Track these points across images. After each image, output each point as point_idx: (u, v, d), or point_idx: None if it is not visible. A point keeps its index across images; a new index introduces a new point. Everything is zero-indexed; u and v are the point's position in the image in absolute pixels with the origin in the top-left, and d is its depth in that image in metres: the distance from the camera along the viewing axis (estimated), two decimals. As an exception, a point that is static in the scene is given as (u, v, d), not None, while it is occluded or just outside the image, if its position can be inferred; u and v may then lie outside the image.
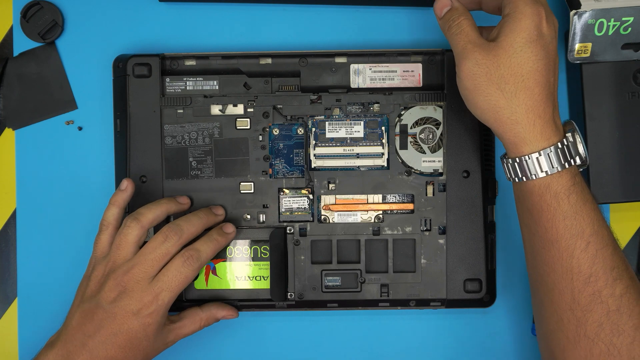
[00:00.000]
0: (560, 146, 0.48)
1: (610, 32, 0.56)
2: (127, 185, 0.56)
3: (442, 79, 0.59)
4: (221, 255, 0.58)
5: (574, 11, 0.55)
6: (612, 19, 0.55)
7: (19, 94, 0.62)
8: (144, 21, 0.62)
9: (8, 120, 0.62)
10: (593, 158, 0.58)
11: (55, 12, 0.61)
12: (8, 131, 0.62)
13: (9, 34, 0.62)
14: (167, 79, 0.59)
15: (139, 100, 0.58)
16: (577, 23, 0.55)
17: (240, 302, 0.58)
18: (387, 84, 0.59)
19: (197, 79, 0.59)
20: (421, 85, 0.59)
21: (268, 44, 0.62)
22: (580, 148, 0.50)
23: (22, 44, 0.62)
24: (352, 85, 0.59)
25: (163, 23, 0.62)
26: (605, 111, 0.58)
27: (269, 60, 0.59)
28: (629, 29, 0.56)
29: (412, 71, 0.59)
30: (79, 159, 0.62)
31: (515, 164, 0.49)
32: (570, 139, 0.50)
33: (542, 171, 0.48)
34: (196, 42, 0.62)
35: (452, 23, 0.52)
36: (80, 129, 0.62)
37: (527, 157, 0.48)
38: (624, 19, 0.55)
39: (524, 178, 0.49)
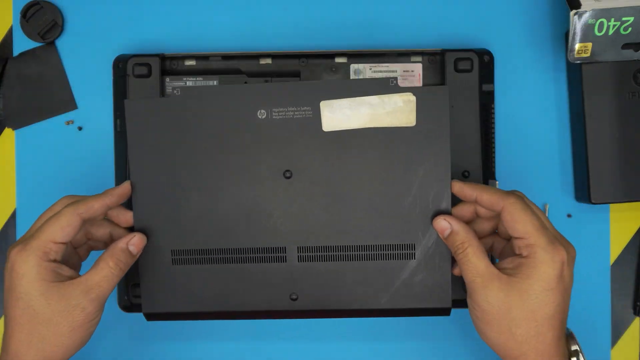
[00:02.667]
0: None
1: (611, 32, 0.56)
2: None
3: (442, 79, 0.59)
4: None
5: (574, 11, 0.55)
6: (612, 19, 0.55)
7: (19, 94, 0.62)
8: (144, 21, 0.62)
9: (8, 120, 0.62)
10: (593, 158, 0.58)
11: (55, 12, 0.61)
12: (8, 131, 0.62)
13: (9, 34, 0.62)
14: (167, 79, 0.59)
15: (139, 100, 0.58)
16: (577, 23, 0.55)
17: None
18: (387, 84, 0.59)
19: (197, 79, 0.59)
20: (421, 85, 0.59)
21: (268, 44, 0.62)
22: None
23: (22, 44, 0.62)
24: (352, 85, 0.59)
25: (163, 23, 0.62)
26: (605, 111, 0.58)
27: (269, 60, 0.59)
28: (629, 29, 0.56)
29: (412, 71, 0.59)
30: (79, 159, 0.62)
31: None
32: None
33: None
34: (196, 42, 0.62)
35: (457, 250, 0.49)
36: (80, 129, 0.62)
37: None
38: (624, 19, 0.55)
39: None
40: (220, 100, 0.52)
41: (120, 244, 0.51)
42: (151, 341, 0.61)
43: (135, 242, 0.52)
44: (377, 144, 0.52)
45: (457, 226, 0.50)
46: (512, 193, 0.50)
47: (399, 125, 0.52)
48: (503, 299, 0.47)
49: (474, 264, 0.48)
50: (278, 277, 0.54)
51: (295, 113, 0.52)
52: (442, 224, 0.50)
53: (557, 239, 0.48)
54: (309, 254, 0.54)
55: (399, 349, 0.61)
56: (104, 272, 0.50)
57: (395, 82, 0.52)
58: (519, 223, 0.48)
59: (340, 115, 0.52)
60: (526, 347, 0.47)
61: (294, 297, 0.54)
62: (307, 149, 0.52)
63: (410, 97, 0.52)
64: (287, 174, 0.53)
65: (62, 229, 0.49)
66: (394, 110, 0.52)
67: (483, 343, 0.61)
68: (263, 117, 0.52)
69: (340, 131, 0.52)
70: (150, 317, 0.55)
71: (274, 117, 0.52)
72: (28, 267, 0.48)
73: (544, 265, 0.47)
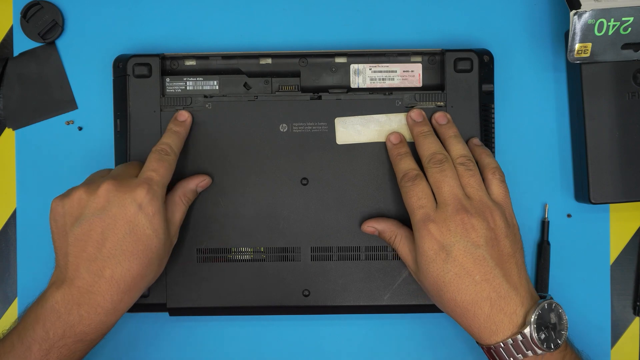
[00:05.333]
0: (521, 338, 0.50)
1: (610, 32, 0.56)
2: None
3: (442, 79, 0.59)
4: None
5: (574, 11, 0.55)
6: (612, 19, 0.55)
7: (19, 94, 0.62)
8: (144, 21, 0.62)
9: (8, 120, 0.62)
10: (593, 158, 0.58)
11: (55, 12, 0.61)
12: (8, 131, 0.62)
13: (9, 34, 0.62)
14: (167, 79, 0.59)
15: (139, 100, 0.58)
16: (577, 23, 0.55)
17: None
18: (387, 84, 0.59)
19: (197, 79, 0.59)
20: (421, 85, 0.59)
21: (268, 44, 0.62)
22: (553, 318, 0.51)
23: (22, 44, 0.62)
24: (352, 85, 0.59)
25: (163, 23, 0.62)
26: (605, 111, 0.58)
27: (269, 60, 0.59)
28: (629, 29, 0.56)
29: (412, 71, 0.59)
30: (79, 159, 0.62)
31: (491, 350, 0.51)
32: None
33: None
34: (196, 42, 0.62)
35: (390, 244, 0.57)
36: (80, 129, 0.62)
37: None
38: (624, 19, 0.55)
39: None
40: (247, 114, 0.58)
41: (191, 184, 0.56)
42: (151, 341, 0.61)
43: (203, 185, 0.57)
44: (384, 156, 0.58)
45: (380, 226, 0.57)
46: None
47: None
48: (427, 276, 0.52)
49: (399, 251, 0.56)
50: (292, 274, 0.58)
51: (313, 128, 0.58)
52: (368, 230, 0.57)
53: (430, 216, 0.52)
54: (321, 254, 0.58)
55: (398, 349, 0.62)
56: (182, 210, 0.55)
57: (400, 102, 0.58)
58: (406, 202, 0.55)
59: (352, 130, 0.58)
60: (469, 305, 0.51)
61: (306, 293, 0.58)
62: (322, 160, 0.58)
63: None
64: (304, 182, 0.58)
65: (171, 170, 0.54)
66: (399, 128, 0.58)
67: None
68: (284, 130, 0.58)
69: (352, 144, 0.58)
70: (173, 312, 0.58)
71: (294, 130, 0.58)
72: (158, 206, 0.51)
73: (418, 242, 0.53)
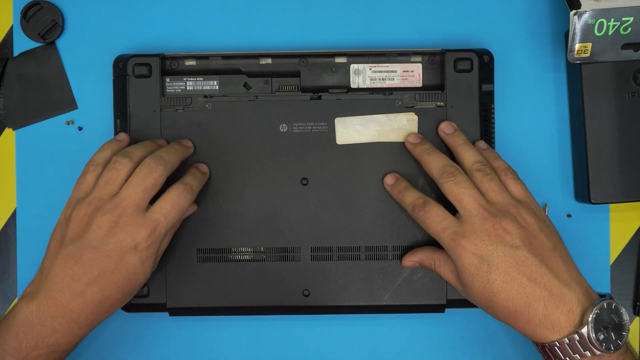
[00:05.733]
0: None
1: (610, 32, 0.56)
2: (124, 137, 0.56)
3: (442, 79, 0.59)
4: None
5: (574, 11, 0.55)
6: (612, 19, 0.55)
7: (19, 94, 0.62)
8: (144, 21, 0.62)
9: (8, 120, 0.62)
10: (593, 158, 0.58)
11: (55, 12, 0.61)
12: (8, 131, 0.62)
13: (9, 34, 0.62)
14: (167, 79, 0.59)
15: (139, 100, 0.58)
16: (577, 23, 0.55)
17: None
18: (387, 84, 0.59)
19: (197, 79, 0.59)
20: (421, 85, 0.59)
21: (268, 44, 0.62)
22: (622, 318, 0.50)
23: (22, 44, 0.62)
24: (352, 85, 0.59)
25: (163, 23, 0.62)
26: (605, 111, 0.58)
27: (269, 60, 0.59)
28: (629, 29, 0.56)
29: (412, 71, 0.59)
30: (79, 159, 0.61)
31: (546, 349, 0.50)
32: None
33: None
34: (196, 42, 0.62)
35: (432, 269, 0.56)
36: (80, 129, 0.62)
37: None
38: (624, 19, 0.55)
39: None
40: (247, 114, 0.58)
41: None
42: (151, 341, 0.61)
43: (190, 212, 0.57)
44: (383, 156, 0.58)
45: (417, 257, 0.56)
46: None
47: (403, 141, 0.58)
48: (474, 291, 0.51)
49: (442, 274, 0.55)
50: (292, 274, 0.58)
51: (313, 128, 0.58)
52: (409, 264, 0.57)
53: (458, 233, 0.51)
54: (320, 254, 0.58)
55: (399, 348, 0.62)
56: (168, 241, 0.56)
57: (400, 102, 0.58)
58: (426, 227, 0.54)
59: (352, 130, 0.58)
60: (524, 308, 0.50)
61: (306, 293, 0.58)
62: (322, 160, 0.58)
63: (413, 117, 0.58)
64: (304, 182, 0.58)
65: (182, 215, 0.55)
66: (399, 128, 0.58)
67: (482, 343, 0.62)
68: (284, 130, 0.58)
69: (352, 144, 0.58)
70: (173, 312, 0.58)
71: (294, 130, 0.58)
72: (154, 251, 0.52)
73: (457, 261, 0.52)
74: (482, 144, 0.57)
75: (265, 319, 0.61)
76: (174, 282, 0.58)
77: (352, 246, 0.58)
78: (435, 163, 0.54)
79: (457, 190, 0.52)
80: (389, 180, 0.57)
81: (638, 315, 0.61)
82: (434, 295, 0.58)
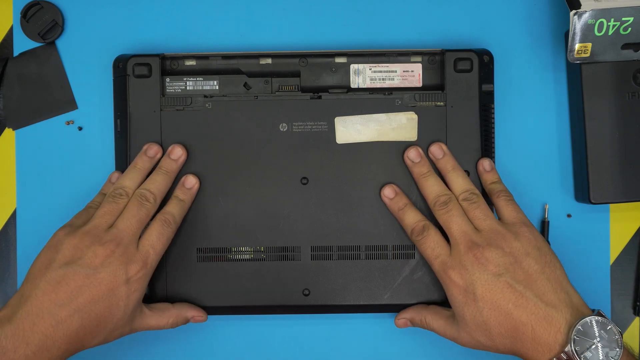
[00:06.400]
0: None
1: (610, 32, 0.56)
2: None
3: (442, 79, 0.59)
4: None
5: (574, 11, 0.55)
6: (612, 19, 0.55)
7: (19, 94, 0.62)
8: (144, 21, 0.62)
9: (8, 120, 0.62)
10: (593, 158, 0.58)
11: (55, 12, 0.61)
12: (8, 131, 0.62)
13: (9, 34, 0.62)
14: (167, 79, 0.59)
15: (139, 100, 0.58)
16: (577, 23, 0.55)
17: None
18: (387, 84, 0.59)
19: (197, 79, 0.59)
20: (421, 85, 0.59)
21: (268, 44, 0.62)
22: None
23: (22, 44, 0.62)
24: (352, 85, 0.59)
25: (163, 23, 0.62)
26: (605, 111, 0.58)
27: (269, 60, 0.59)
28: (629, 29, 0.56)
29: (412, 71, 0.59)
30: (79, 159, 0.62)
31: None
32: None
33: None
34: (196, 42, 0.62)
35: (421, 326, 0.57)
36: (80, 129, 0.62)
37: None
38: (624, 19, 0.55)
39: None
40: (247, 114, 0.58)
41: (188, 314, 0.58)
42: (151, 341, 0.61)
43: (196, 320, 0.58)
44: (383, 156, 0.58)
45: (409, 315, 0.57)
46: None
47: (402, 140, 0.58)
48: (467, 322, 0.52)
49: (434, 328, 0.56)
50: (292, 274, 0.58)
51: (313, 127, 0.58)
52: (400, 323, 0.58)
53: (447, 263, 0.53)
54: (321, 253, 0.58)
55: (398, 348, 0.62)
56: (163, 322, 0.56)
57: (400, 102, 0.58)
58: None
59: (352, 130, 0.58)
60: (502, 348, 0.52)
61: (306, 292, 0.58)
62: (322, 159, 0.58)
63: (413, 116, 0.58)
64: (304, 181, 0.58)
65: (168, 242, 0.55)
66: (399, 127, 0.58)
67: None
68: (284, 129, 0.58)
69: (352, 144, 0.58)
70: None
71: (294, 130, 0.58)
72: (142, 286, 0.53)
73: (446, 292, 0.54)
74: (486, 164, 0.58)
75: (265, 318, 0.61)
76: (174, 281, 0.58)
77: (352, 245, 0.58)
78: (430, 190, 0.56)
79: (447, 219, 0.54)
80: (388, 193, 0.57)
81: (638, 315, 0.61)
82: (434, 294, 0.58)
